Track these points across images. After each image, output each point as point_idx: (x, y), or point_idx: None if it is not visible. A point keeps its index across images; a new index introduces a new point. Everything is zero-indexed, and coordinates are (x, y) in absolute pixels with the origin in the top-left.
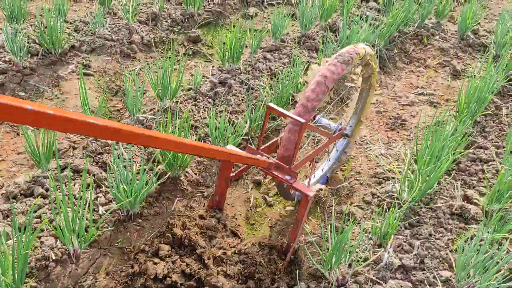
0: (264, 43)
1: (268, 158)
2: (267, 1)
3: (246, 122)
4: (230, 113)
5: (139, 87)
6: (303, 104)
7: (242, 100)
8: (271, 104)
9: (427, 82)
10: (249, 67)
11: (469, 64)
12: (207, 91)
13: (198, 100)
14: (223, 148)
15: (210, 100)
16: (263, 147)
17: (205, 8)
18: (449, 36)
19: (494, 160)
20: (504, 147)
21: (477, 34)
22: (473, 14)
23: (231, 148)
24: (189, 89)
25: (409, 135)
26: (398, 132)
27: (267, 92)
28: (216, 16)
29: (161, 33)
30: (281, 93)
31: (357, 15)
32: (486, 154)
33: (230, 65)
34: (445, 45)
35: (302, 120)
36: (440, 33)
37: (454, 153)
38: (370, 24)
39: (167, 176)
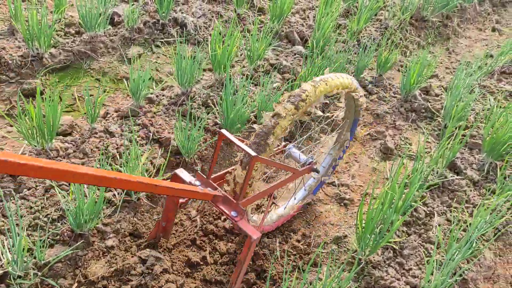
0: (129, 102)
1: (217, 189)
2: (162, 38)
3: None
4: None
5: None
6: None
7: None
8: (223, 131)
9: (346, 163)
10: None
11: (407, 138)
12: None
13: None
14: (145, 178)
15: None
16: (215, 175)
17: (64, 47)
18: (390, 96)
19: None
20: None
21: (428, 92)
22: (421, 67)
23: (181, 172)
24: None
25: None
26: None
27: None
28: (80, 58)
29: None
30: None
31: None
32: None
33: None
34: (381, 109)
35: (253, 153)
36: (380, 91)
37: None
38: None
39: None
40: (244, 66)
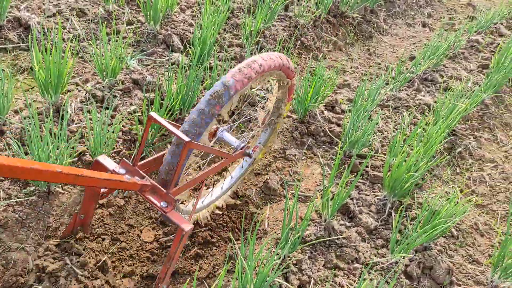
0: None
1: (144, 178)
2: None
3: None
4: None
5: None
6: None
7: None
8: (153, 114)
9: None
10: None
11: (296, 173)
12: None
13: None
14: (66, 168)
15: None
16: (142, 162)
17: None
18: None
19: None
20: None
21: (334, 109)
22: (318, 82)
23: (103, 159)
24: None
25: None
26: None
27: None
28: None
29: None
30: None
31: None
32: None
33: None
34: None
35: (186, 138)
36: None
37: None
38: None
39: None
40: (98, 83)
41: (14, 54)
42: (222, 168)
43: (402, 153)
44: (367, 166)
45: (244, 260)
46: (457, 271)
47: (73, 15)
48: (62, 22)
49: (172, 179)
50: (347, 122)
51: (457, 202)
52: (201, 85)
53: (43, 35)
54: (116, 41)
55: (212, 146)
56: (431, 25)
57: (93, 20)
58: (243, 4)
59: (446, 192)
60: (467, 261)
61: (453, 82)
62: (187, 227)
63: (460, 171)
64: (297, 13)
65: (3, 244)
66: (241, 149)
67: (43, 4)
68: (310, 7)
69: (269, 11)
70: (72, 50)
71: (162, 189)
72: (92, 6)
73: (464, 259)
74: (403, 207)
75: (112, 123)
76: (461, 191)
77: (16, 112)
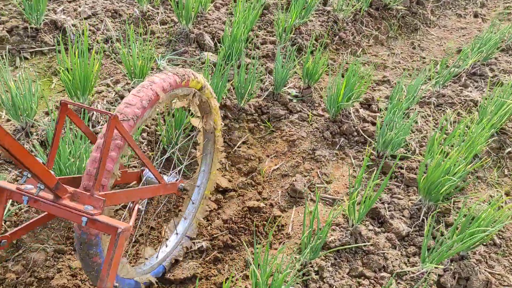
0: None
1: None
2: (34, 47)
3: None
4: None
5: None
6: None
7: None
8: (66, 100)
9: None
10: None
11: (325, 174)
12: None
13: None
14: None
15: None
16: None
17: None
18: (315, 115)
19: None
20: None
21: (370, 107)
22: (350, 78)
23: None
24: None
25: None
26: None
27: None
28: None
29: None
30: None
31: None
32: None
33: None
34: (301, 133)
35: (114, 113)
36: (304, 108)
37: None
38: None
39: None
40: (127, 83)
41: (50, 57)
42: (155, 194)
43: (440, 153)
44: (401, 168)
45: (257, 267)
46: (497, 283)
47: (108, 17)
48: (96, 24)
49: (97, 174)
50: (381, 121)
51: (501, 207)
52: (229, 83)
53: (79, 37)
54: (144, 40)
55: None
56: (484, 15)
57: (127, 21)
58: None
59: (490, 195)
60: (510, 272)
61: (505, 77)
62: (122, 225)
63: (509, 172)
64: (336, 7)
65: (24, 244)
66: (174, 182)
67: (79, 6)
68: (350, 0)
69: (305, 5)
70: (104, 51)
71: (85, 192)
72: (128, 7)
73: (507, 270)
74: (435, 212)
75: None
76: (507, 194)
77: (47, 113)
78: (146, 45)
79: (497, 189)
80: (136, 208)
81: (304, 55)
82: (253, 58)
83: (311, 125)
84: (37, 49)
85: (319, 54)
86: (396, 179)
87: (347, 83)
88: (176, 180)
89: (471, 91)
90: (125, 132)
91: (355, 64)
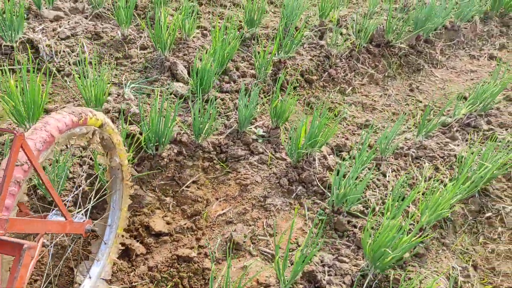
0: None
1: None
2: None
3: None
4: None
5: None
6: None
7: None
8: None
9: None
10: None
11: (270, 226)
12: None
13: None
14: None
15: None
16: None
17: None
18: (276, 158)
19: None
20: None
21: (340, 153)
22: (314, 125)
23: None
24: None
25: None
26: None
27: None
28: None
29: None
30: None
31: None
32: None
33: None
34: (256, 177)
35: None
36: (268, 149)
37: None
38: None
39: None
40: None
41: (20, 76)
42: (61, 231)
43: (391, 215)
44: (355, 226)
45: None
46: None
47: (88, 38)
48: (72, 46)
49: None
50: (337, 172)
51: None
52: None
53: (51, 57)
54: (117, 65)
55: None
56: (501, 58)
57: (107, 44)
58: (270, 30)
59: (452, 267)
60: None
61: (502, 132)
62: (28, 243)
63: (484, 240)
64: (330, 42)
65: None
66: (82, 222)
67: (59, 26)
68: (349, 35)
69: (291, 39)
70: (72, 74)
71: None
72: (112, 29)
73: None
74: (378, 284)
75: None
76: (474, 266)
77: None
78: (110, 71)
79: (464, 258)
80: (41, 241)
81: (285, 92)
82: (226, 92)
83: (270, 169)
84: (9, 67)
85: (290, 92)
86: (348, 239)
87: (312, 126)
88: (83, 221)
89: (458, 145)
90: (31, 154)
91: (324, 104)
